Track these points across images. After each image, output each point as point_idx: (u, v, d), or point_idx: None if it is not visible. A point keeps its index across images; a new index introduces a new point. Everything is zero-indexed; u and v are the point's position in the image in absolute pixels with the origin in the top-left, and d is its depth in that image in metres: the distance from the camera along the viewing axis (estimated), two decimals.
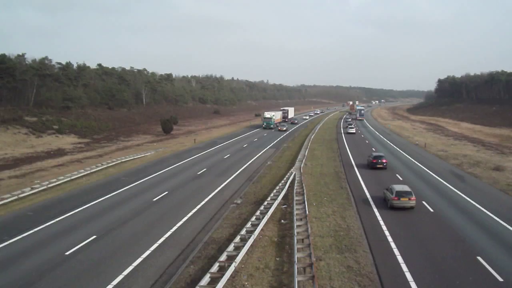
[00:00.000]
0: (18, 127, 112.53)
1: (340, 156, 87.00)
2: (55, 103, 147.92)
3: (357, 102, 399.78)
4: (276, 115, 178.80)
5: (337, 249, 35.17)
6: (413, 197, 46.82)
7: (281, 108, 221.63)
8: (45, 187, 57.42)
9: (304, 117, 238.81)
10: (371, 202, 50.33)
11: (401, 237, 38.27)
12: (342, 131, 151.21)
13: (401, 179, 63.56)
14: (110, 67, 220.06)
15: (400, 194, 46.90)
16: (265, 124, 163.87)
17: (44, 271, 31.50)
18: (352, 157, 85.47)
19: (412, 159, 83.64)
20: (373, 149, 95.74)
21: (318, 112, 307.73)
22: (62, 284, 29.48)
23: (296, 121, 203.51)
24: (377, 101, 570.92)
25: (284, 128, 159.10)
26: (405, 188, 48.70)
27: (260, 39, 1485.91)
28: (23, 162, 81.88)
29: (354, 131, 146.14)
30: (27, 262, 33.39)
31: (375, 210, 46.89)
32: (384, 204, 48.53)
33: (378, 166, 70.68)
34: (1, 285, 29.16)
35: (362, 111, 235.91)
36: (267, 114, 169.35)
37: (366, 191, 55.59)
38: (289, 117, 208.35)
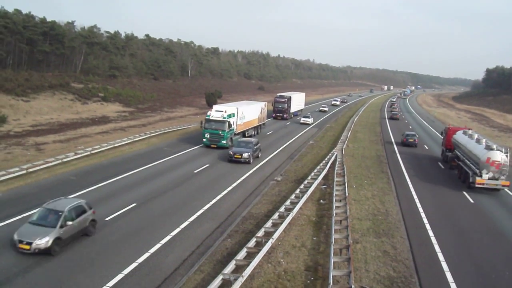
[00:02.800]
0: (65, 93, 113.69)
1: (383, 140, 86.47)
2: (101, 71, 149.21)
3: (392, 87, 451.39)
4: (245, 113, 78.31)
5: (375, 233, 35.09)
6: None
7: (278, 95, 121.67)
8: (88, 153, 58.13)
9: (302, 121, 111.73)
10: (411, 188, 50.09)
11: (439, 225, 38.16)
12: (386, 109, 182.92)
13: (443, 167, 63.21)
14: (157, 38, 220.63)
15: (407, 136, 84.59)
16: (207, 136, 69.23)
17: (83, 234, 32.03)
18: (394, 141, 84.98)
19: None
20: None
21: (337, 101, 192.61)
22: (100, 249, 30.09)
23: (252, 146, 61.89)
24: (413, 87, 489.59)
25: None
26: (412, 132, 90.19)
27: (308, 17, 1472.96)
28: (68, 127, 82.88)
29: (395, 100, 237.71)
30: None
31: (415, 196, 46.65)
32: (426, 193, 48.23)
33: None
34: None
35: (406, 93, 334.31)
36: (216, 112, 70.96)
37: (407, 177, 55.21)
38: (292, 110, 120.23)
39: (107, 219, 35.51)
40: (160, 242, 31.61)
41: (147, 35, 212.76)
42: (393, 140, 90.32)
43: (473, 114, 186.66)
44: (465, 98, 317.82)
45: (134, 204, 39.40)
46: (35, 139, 67.60)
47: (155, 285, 25.80)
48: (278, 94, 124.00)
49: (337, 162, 57.28)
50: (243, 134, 77.29)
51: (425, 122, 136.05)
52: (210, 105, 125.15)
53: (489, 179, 49.98)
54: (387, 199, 44.99)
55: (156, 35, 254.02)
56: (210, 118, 68.85)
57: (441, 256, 31.23)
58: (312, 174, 50.91)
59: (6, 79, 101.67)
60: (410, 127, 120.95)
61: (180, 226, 34.96)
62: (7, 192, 41.31)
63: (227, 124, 68.10)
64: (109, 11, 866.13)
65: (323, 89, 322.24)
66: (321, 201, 42.71)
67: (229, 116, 69.56)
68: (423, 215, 40.52)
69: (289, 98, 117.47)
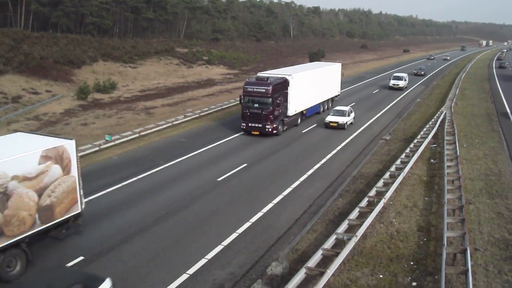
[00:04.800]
0: (170, 58, 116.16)
1: (493, 97, 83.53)
2: (204, 35, 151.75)
3: (490, 42, 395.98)
4: None
5: (488, 194, 33.90)
6: None
7: (255, 78, 53.79)
8: (197, 115, 59.31)
9: None
10: None
11: None
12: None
13: None
14: (258, 0, 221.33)
15: None
16: None
17: (197, 195, 33.15)
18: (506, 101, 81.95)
19: None
20: None
21: (400, 81, 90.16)
22: (214, 208, 30.95)
23: None
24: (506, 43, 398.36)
25: None
26: None
27: None
28: (175, 91, 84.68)
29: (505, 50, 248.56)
30: (181, 185, 35.19)
31: None
32: None
33: None
34: (158, 206, 31.07)
35: None
36: None
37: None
38: (296, 109, 54.54)
39: (219, 179, 36.45)
40: (272, 202, 32.08)
41: None
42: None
43: None
44: None
45: (245, 165, 40.09)
46: (144, 104, 69.69)
47: (269, 244, 26.27)
48: (259, 74, 56.68)
49: (446, 121, 55.94)
50: None
51: None
52: None
53: None
54: (499, 158, 43.23)
55: None
56: None
57: None
58: (422, 132, 49.99)
59: (114, 47, 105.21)
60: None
61: (291, 186, 35.32)
62: (122, 154, 43.17)
63: None
64: None
65: (426, 46, 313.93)
66: (432, 160, 41.82)
67: None
68: None
69: (282, 83, 52.12)
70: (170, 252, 25.03)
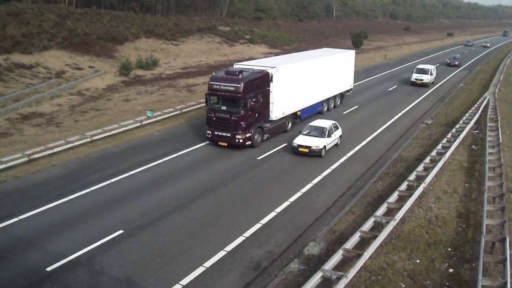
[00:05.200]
0: (212, 36, 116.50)
1: None
2: (247, 14, 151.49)
3: None
4: None
5: None
6: None
7: (224, 71, 39.74)
8: None
9: None
10: None
11: None
12: None
13: None
14: None
15: None
16: None
17: (237, 173, 33.42)
18: None
19: None
20: None
21: (424, 76, 72.95)
22: (253, 187, 31.18)
23: None
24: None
25: None
26: None
27: None
28: (217, 69, 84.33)
29: None
30: (221, 162, 35.65)
31: None
32: None
33: None
34: (197, 183, 31.41)
35: None
36: None
37: None
38: (284, 110, 42.73)
39: (259, 158, 36.76)
40: (312, 182, 32.07)
41: None
42: None
43: None
44: None
45: (285, 144, 40.10)
46: (186, 81, 70.13)
47: (307, 224, 26.36)
48: (235, 65, 44.43)
49: (489, 107, 55.03)
50: None
51: None
52: (356, 46, 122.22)
53: None
54: None
55: None
56: None
57: None
58: (464, 118, 49.20)
59: (156, 25, 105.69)
60: None
61: (331, 167, 35.25)
62: (163, 130, 43.83)
63: None
64: None
65: (471, 30, 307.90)
66: (473, 146, 41.24)
67: None
68: None
69: (262, 78, 39.72)
70: (208, 229, 25.30)
